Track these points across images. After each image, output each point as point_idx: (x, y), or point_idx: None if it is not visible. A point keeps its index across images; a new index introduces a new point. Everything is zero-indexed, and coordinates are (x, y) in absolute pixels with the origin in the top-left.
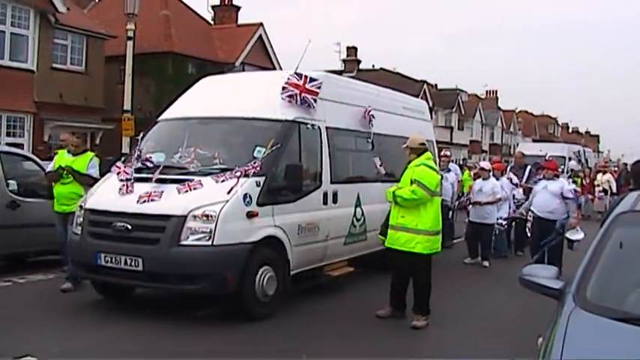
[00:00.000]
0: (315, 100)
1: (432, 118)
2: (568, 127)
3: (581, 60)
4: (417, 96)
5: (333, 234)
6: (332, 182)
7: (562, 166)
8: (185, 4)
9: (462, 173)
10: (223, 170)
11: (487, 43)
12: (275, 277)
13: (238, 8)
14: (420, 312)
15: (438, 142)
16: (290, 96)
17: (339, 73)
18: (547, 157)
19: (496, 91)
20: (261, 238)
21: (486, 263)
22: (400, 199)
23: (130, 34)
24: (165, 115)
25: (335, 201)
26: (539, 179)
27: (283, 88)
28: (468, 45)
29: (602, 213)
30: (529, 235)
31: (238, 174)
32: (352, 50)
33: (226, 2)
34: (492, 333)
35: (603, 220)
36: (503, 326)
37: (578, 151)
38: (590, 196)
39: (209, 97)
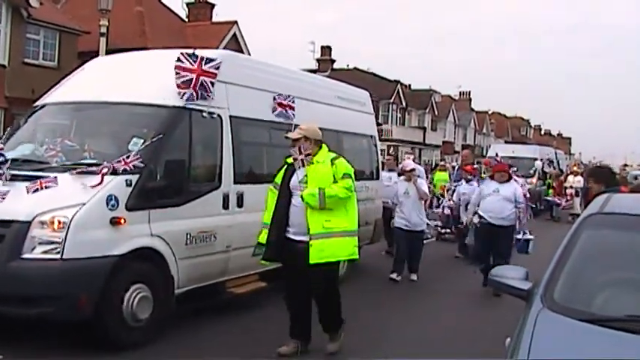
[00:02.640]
0: (212, 84)
1: (396, 112)
2: (540, 129)
3: (554, 64)
4: (391, 97)
5: (237, 244)
6: (236, 182)
7: (534, 168)
8: (159, 1)
9: (434, 173)
10: (91, 166)
11: (462, 45)
12: (151, 298)
13: (213, 6)
14: (337, 330)
15: (411, 143)
16: (185, 82)
17: (313, 72)
18: (499, 158)
19: (469, 93)
20: (130, 250)
21: (414, 277)
22: (334, 199)
23: (104, 30)
24: (42, 100)
25: (240, 204)
26: (485, 181)
27: (177, 72)
28: (443, 46)
29: (573, 215)
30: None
31: (105, 170)
32: (326, 50)
33: (201, 0)
34: (461, 335)
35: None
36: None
37: (549, 154)
38: (560, 199)
39: (95, 79)
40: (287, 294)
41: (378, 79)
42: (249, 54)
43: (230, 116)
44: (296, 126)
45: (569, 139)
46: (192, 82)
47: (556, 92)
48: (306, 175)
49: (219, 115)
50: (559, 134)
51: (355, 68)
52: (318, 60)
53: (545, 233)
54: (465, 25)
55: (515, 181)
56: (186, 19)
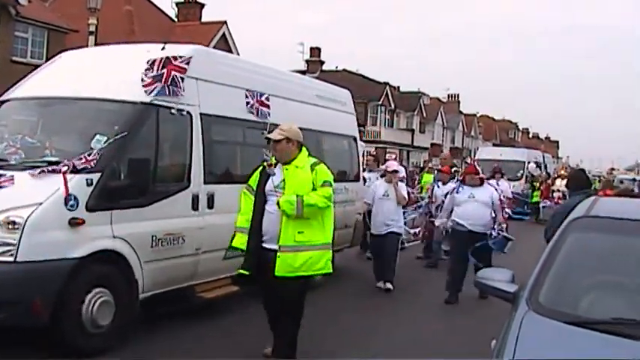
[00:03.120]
0: (182, 79)
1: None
2: (528, 133)
3: (544, 67)
4: (379, 99)
5: (208, 246)
6: (206, 182)
7: (521, 171)
8: (149, 1)
9: (422, 175)
10: (50, 164)
11: (452, 47)
12: (113, 302)
13: (202, 6)
14: (292, 355)
15: (400, 145)
16: (155, 77)
17: (302, 72)
18: (469, 161)
19: (458, 95)
20: (90, 252)
21: (389, 285)
22: (312, 209)
23: (92, 28)
24: (7, 95)
25: (210, 206)
26: (457, 185)
27: (146, 69)
28: (433, 48)
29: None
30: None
31: (65, 169)
32: (316, 51)
33: (190, 0)
34: (446, 337)
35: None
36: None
37: (536, 157)
38: (547, 202)
39: (64, 74)
40: (263, 301)
41: (366, 81)
42: (238, 54)
43: (201, 113)
44: (272, 125)
45: (557, 142)
46: (164, 77)
47: (545, 95)
48: (283, 180)
49: (188, 112)
50: (547, 137)
51: (344, 70)
52: (307, 61)
53: (531, 236)
54: (455, 27)
55: (489, 184)
56: (176, 19)
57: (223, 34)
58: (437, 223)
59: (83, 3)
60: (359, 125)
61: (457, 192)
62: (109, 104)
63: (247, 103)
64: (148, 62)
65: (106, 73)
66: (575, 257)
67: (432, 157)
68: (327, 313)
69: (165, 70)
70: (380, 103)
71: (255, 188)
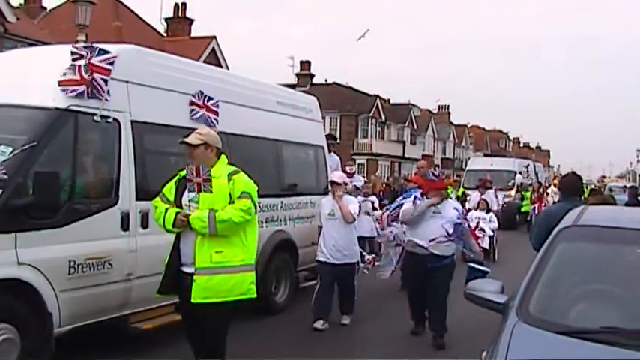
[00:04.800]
0: (105, 81)
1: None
2: (519, 142)
3: (532, 77)
4: (370, 111)
5: (142, 271)
6: (139, 199)
7: (512, 181)
8: (138, 16)
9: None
10: None
11: (441, 59)
12: (17, 341)
13: (192, 21)
14: None
15: (391, 157)
16: (73, 79)
17: (292, 86)
18: (437, 174)
19: (448, 106)
20: None
21: (346, 320)
22: (227, 224)
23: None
24: None
25: (145, 225)
26: (414, 200)
27: (65, 71)
28: (422, 61)
29: None
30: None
31: None
32: (306, 64)
33: (180, 14)
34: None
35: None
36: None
37: (527, 166)
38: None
39: None
40: (186, 333)
41: (357, 94)
42: (228, 68)
43: (132, 121)
44: (222, 134)
45: (548, 151)
46: (83, 80)
47: (535, 105)
48: (198, 193)
49: (116, 120)
50: (538, 147)
51: (334, 83)
52: (297, 74)
53: (522, 246)
54: (445, 39)
55: (451, 198)
56: (165, 34)
57: (213, 49)
58: (386, 231)
59: (72, 19)
60: (350, 138)
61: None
62: (19, 111)
63: (191, 109)
64: (68, 63)
65: (21, 76)
66: (564, 267)
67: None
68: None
69: (85, 72)
70: (370, 115)
71: (170, 199)
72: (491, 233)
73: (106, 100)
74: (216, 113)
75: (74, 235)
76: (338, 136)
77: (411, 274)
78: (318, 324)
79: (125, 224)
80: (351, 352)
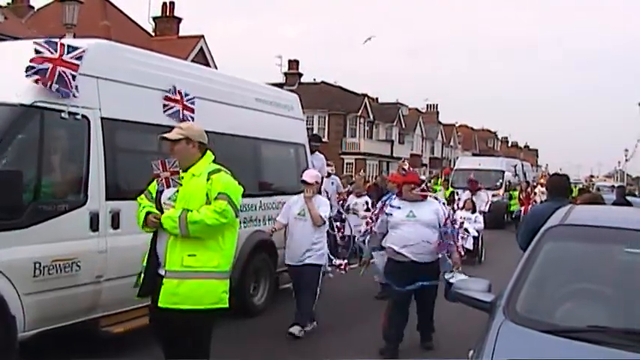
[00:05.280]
0: (73, 77)
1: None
2: (507, 141)
3: (520, 77)
4: (358, 110)
5: (113, 273)
6: (110, 198)
7: (500, 180)
8: (126, 15)
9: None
10: None
11: (429, 59)
12: None
13: (180, 20)
14: None
15: (379, 156)
16: (38, 74)
17: (280, 85)
18: (405, 168)
19: (436, 105)
20: None
21: (296, 330)
22: (199, 226)
23: None
24: None
25: (115, 225)
26: (391, 200)
27: (29, 67)
28: (411, 60)
29: None
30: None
31: None
32: (294, 63)
33: (167, 14)
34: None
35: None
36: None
37: (515, 165)
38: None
39: None
40: (154, 335)
41: (345, 93)
42: (216, 67)
43: (102, 118)
44: None
45: (536, 150)
46: (48, 74)
47: (523, 104)
48: (177, 191)
49: (85, 117)
50: (526, 146)
51: (322, 82)
52: (285, 74)
53: (509, 245)
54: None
55: (436, 198)
56: (153, 34)
57: (201, 48)
58: (375, 260)
59: (59, 19)
60: (339, 137)
61: (390, 209)
62: None
63: (165, 106)
64: (30, 63)
65: None
66: (551, 266)
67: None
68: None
69: (50, 67)
70: (359, 114)
71: (153, 197)
72: (476, 234)
73: (74, 96)
74: (192, 110)
75: (40, 236)
76: (326, 135)
77: (395, 281)
78: (295, 330)
79: (94, 224)
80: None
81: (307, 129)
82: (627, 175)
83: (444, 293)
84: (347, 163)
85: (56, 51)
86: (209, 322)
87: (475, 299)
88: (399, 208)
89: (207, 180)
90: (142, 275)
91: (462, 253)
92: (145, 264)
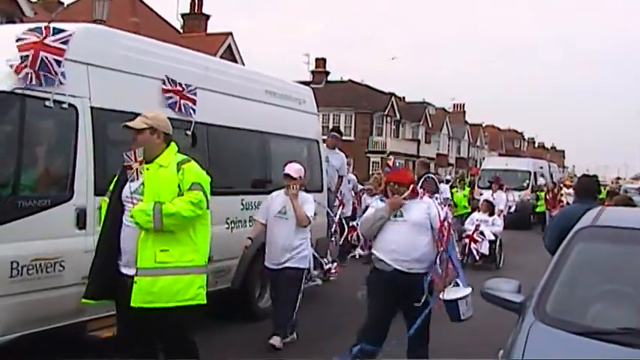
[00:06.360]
0: (58, 63)
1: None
2: (534, 142)
3: (547, 77)
4: (385, 109)
5: None
6: (99, 193)
7: (527, 181)
8: (154, 12)
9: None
10: None
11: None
12: None
13: (208, 17)
14: None
15: (405, 155)
16: (21, 59)
17: (307, 84)
18: (392, 163)
19: (463, 105)
20: None
21: (276, 341)
22: (174, 219)
23: None
24: None
25: None
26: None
27: (18, 49)
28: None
29: None
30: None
31: None
32: (321, 62)
33: (196, 11)
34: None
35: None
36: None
37: (542, 167)
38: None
39: None
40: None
41: (372, 92)
42: (244, 64)
43: (92, 107)
44: (200, 124)
45: (563, 151)
46: (30, 60)
47: (550, 105)
48: (142, 184)
49: (72, 106)
50: (552, 147)
51: (349, 80)
52: (312, 72)
53: (534, 247)
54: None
55: (431, 197)
56: (181, 30)
57: (229, 46)
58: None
59: (89, 14)
60: (365, 136)
61: (377, 204)
62: None
63: (164, 96)
64: (21, 45)
65: None
66: (582, 267)
67: (438, 168)
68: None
69: (32, 52)
70: (385, 113)
71: (111, 195)
72: (493, 237)
73: (61, 83)
74: (194, 101)
75: (18, 233)
76: (352, 133)
77: (375, 295)
78: (275, 341)
79: (81, 221)
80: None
81: (334, 127)
82: None
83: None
84: (373, 162)
85: (41, 34)
86: (187, 320)
87: (505, 300)
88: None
89: (178, 171)
90: (91, 275)
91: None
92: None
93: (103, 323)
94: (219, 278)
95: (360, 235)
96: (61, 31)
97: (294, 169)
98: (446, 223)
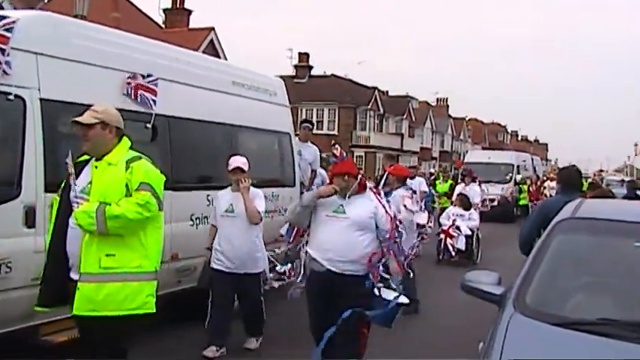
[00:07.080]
0: (2, 51)
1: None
2: (517, 135)
3: (531, 70)
4: (368, 103)
5: None
6: (49, 190)
7: (510, 174)
8: (136, 7)
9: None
10: None
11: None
12: None
13: (190, 12)
14: None
15: (389, 149)
16: None
17: (291, 78)
18: (340, 153)
19: (447, 99)
20: None
21: (252, 344)
22: (120, 221)
23: None
24: None
25: None
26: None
27: None
28: (421, 54)
29: None
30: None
31: None
32: (304, 56)
33: (178, 6)
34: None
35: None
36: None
37: (525, 160)
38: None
39: None
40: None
41: (355, 86)
42: (226, 59)
43: (42, 99)
44: (161, 117)
45: (546, 145)
46: None
47: (533, 98)
48: (90, 183)
49: (20, 97)
50: (536, 140)
51: (332, 75)
52: (295, 66)
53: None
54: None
55: (378, 194)
56: (163, 26)
57: (211, 40)
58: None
59: (70, 10)
60: (349, 130)
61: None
62: None
63: (121, 87)
64: None
65: None
66: (562, 259)
67: (421, 162)
68: None
69: None
70: (369, 107)
71: (60, 195)
72: (469, 232)
73: (6, 73)
74: (154, 92)
75: None
76: (336, 128)
77: (311, 296)
78: (210, 351)
79: (30, 220)
80: None
81: (317, 122)
82: (637, 169)
83: (384, 319)
84: (357, 157)
85: None
86: (132, 330)
87: (485, 292)
88: (329, 202)
89: (127, 169)
90: (43, 280)
91: (406, 265)
92: (45, 266)
93: (56, 327)
94: (183, 277)
95: None
96: (4, 17)
97: (242, 161)
98: (394, 222)
